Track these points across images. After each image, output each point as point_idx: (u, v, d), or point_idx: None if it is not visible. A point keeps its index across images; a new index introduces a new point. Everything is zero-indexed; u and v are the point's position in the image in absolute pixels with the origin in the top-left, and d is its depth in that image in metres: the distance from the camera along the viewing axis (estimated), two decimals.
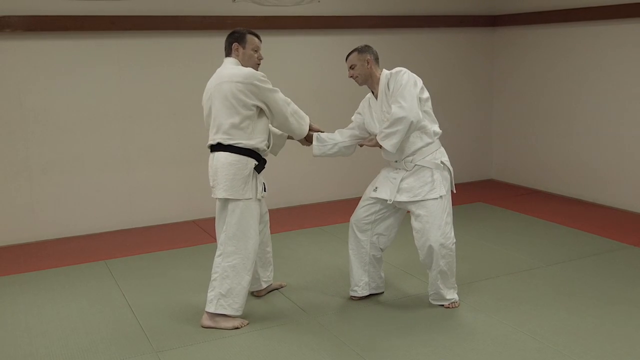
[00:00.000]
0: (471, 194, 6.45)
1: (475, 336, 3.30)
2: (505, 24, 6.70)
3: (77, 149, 5.26)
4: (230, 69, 3.46)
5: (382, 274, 3.87)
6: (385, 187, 3.62)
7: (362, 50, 3.58)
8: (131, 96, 5.40)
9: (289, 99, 3.55)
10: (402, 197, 3.55)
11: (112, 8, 5.17)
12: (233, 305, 3.44)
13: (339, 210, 5.90)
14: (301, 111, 3.63)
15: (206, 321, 3.48)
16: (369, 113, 3.66)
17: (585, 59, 5.91)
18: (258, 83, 3.37)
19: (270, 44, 5.80)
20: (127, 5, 5.22)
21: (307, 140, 3.76)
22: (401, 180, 3.56)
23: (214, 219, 5.65)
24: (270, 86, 3.44)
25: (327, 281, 4.13)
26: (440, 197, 3.52)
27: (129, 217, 5.52)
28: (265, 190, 3.55)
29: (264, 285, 3.88)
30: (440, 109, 5.55)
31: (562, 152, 6.28)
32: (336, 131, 3.81)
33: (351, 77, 3.62)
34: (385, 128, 3.44)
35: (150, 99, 5.47)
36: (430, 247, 3.51)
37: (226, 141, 3.39)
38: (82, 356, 3.21)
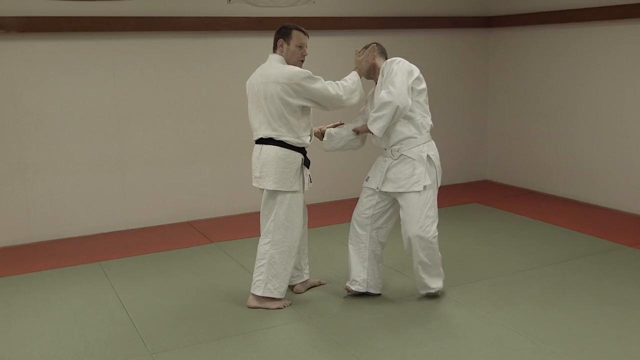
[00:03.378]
0: (466, 194, 6.46)
1: (470, 337, 3.31)
2: (500, 25, 6.71)
3: (71, 150, 5.24)
4: (276, 68, 3.58)
5: (381, 276, 3.87)
6: (375, 176, 3.73)
7: (367, 46, 3.74)
8: (126, 97, 5.38)
9: (333, 83, 3.62)
10: (388, 187, 3.64)
11: (106, 9, 5.16)
12: (279, 289, 3.69)
13: (334, 211, 5.90)
14: (355, 84, 3.69)
15: (252, 302, 3.73)
16: (370, 102, 3.78)
17: (580, 60, 5.93)
18: (303, 83, 3.51)
19: (266, 45, 5.77)
20: (122, 7, 5.21)
21: (324, 135, 3.94)
22: (387, 170, 3.64)
23: (208, 220, 5.74)
24: (315, 84, 3.53)
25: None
26: (424, 188, 3.58)
27: (124, 218, 5.50)
28: (310, 182, 3.74)
29: (305, 277, 3.98)
30: (435, 110, 5.57)
31: (557, 153, 6.29)
32: (344, 125, 3.93)
33: None
34: (374, 112, 3.54)
35: (145, 100, 5.46)
36: (409, 238, 3.63)
37: (278, 137, 3.57)
38: (76, 358, 3.20)
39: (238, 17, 5.60)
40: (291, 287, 3.95)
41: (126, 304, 3.86)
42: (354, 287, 3.80)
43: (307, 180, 3.70)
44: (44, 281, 4.29)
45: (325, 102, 3.60)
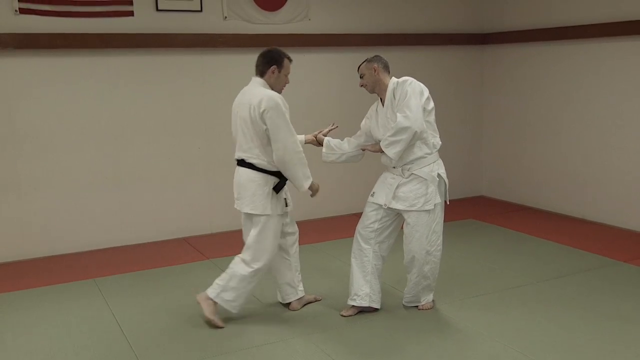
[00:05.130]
0: (462, 210, 6.46)
1: (466, 354, 3.29)
2: (495, 42, 6.76)
3: (67, 166, 5.24)
4: (255, 91, 3.58)
5: (381, 291, 3.87)
6: (382, 192, 3.73)
7: (371, 59, 3.72)
8: (122, 113, 5.39)
9: (300, 149, 3.58)
10: (398, 205, 3.65)
11: (102, 26, 5.18)
12: (232, 302, 3.66)
13: (331, 227, 5.89)
14: (307, 168, 3.61)
15: (200, 297, 3.71)
16: (375, 119, 3.77)
17: (574, 76, 5.97)
18: (275, 108, 3.47)
19: None
20: (118, 24, 5.24)
21: (320, 143, 3.92)
22: (397, 187, 3.65)
23: (204, 236, 5.75)
24: (284, 117, 3.50)
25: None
26: (434, 207, 3.63)
27: (119, 234, 5.48)
28: (287, 206, 3.70)
29: (300, 294, 3.94)
30: None
31: (552, 169, 6.32)
32: (345, 139, 3.93)
33: (361, 85, 3.75)
34: (390, 136, 3.53)
35: (141, 117, 5.47)
36: (416, 253, 3.67)
37: (248, 159, 3.58)
38: None
39: (234, 34, 5.63)
40: (287, 305, 3.94)
41: (120, 321, 3.84)
42: (356, 302, 3.79)
43: (281, 204, 3.65)
44: (37, 298, 4.26)
45: (280, 143, 3.49)
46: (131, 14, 5.28)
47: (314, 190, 3.72)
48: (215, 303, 3.66)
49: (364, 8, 6.26)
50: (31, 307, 4.09)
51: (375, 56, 3.75)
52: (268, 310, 3.94)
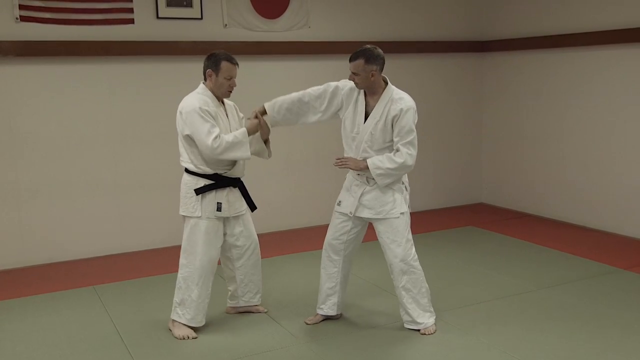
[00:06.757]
0: (461, 217, 6.47)
1: None
2: (494, 50, 6.78)
3: (66, 173, 5.24)
4: (186, 96, 3.62)
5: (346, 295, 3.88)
6: (347, 201, 3.67)
7: (369, 60, 3.42)
8: (122, 121, 5.40)
9: (219, 134, 3.46)
10: (364, 214, 3.61)
11: (103, 34, 5.20)
12: (186, 315, 3.65)
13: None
14: (237, 138, 3.51)
15: (169, 323, 3.75)
16: (352, 111, 3.60)
17: (573, 84, 5.99)
18: (188, 116, 3.49)
19: (261, 69, 5.84)
20: (119, 31, 5.25)
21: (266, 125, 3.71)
22: (361, 195, 3.60)
23: None
24: (198, 121, 3.45)
25: None
26: (402, 214, 3.57)
27: (118, 241, 5.48)
28: (219, 210, 3.60)
29: (241, 304, 3.94)
30: (430, 134, 5.57)
31: (551, 176, 6.32)
32: (305, 104, 3.72)
33: (350, 79, 3.54)
34: (390, 168, 3.46)
35: (141, 124, 5.48)
36: (393, 262, 3.57)
37: (182, 163, 3.66)
38: None
39: (234, 42, 5.65)
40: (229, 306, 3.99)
41: (120, 329, 3.83)
42: (323, 312, 3.79)
43: (211, 207, 3.59)
44: (37, 305, 4.26)
45: (199, 145, 3.49)
46: (132, 21, 5.29)
47: (256, 131, 3.60)
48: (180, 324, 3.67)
49: (364, 16, 6.29)
50: (30, 315, 4.09)
51: (376, 54, 3.44)
52: (265, 318, 3.93)
